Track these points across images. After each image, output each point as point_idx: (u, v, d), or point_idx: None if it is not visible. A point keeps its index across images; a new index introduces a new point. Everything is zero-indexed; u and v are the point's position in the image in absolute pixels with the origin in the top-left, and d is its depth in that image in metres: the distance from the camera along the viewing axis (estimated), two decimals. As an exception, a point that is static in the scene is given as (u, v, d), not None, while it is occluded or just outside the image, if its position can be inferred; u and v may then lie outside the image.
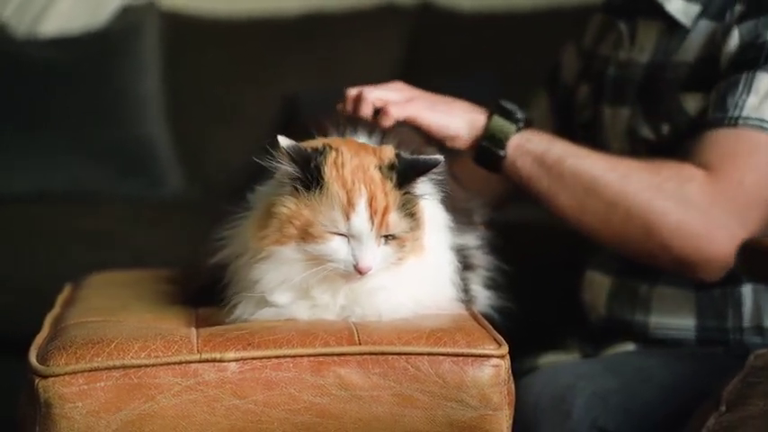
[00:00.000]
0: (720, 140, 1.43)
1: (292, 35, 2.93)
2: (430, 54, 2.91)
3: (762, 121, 1.42)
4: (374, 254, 1.17)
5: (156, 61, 2.81)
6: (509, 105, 1.47)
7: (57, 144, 2.66)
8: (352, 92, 1.44)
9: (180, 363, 1.11)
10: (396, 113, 1.42)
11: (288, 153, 1.17)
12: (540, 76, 1.83)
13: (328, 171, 1.18)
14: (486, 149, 1.45)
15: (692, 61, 1.51)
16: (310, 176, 1.17)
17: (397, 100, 1.43)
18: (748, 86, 1.43)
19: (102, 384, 1.10)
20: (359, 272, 1.17)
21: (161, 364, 1.11)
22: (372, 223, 1.17)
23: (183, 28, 2.93)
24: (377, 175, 1.19)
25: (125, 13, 2.84)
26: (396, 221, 1.18)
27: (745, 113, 1.42)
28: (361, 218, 1.17)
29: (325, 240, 1.17)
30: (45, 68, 2.72)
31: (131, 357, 1.11)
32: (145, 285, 1.44)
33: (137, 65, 2.77)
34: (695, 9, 1.52)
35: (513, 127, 1.45)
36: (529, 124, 1.48)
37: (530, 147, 1.45)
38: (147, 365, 1.11)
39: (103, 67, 2.74)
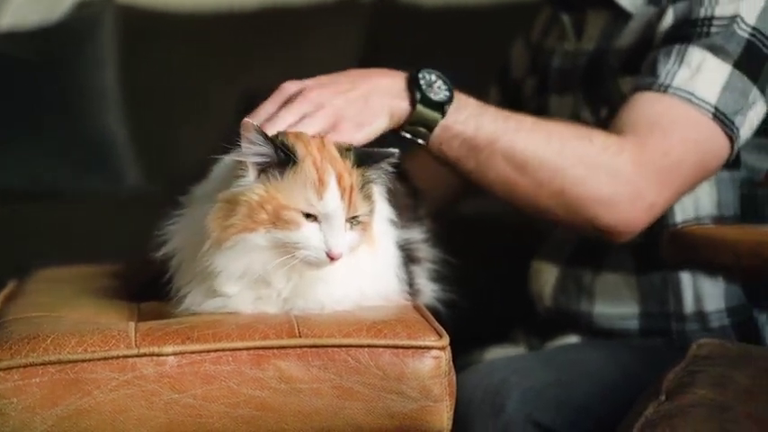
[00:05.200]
0: (650, 105, 1.43)
1: (251, 29, 2.92)
2: (390, 49, 2.89)
3: (691, 94, 1.42)
4: (344, 239, 1.17)
5: (113, 55, 2.79)
6: (430, 79, 1.36)
7: (13, 139, 2.63)
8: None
9: (117, 357, 1.10)
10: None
11: (258, 132, 1.16)
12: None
13: (299, 148, 1.17)
14: (407, 138, 1.37)
15: (630, 45, 1.52)
16: (283, 154, 1.16)
17: (320, 129, 1.28)
18: (680, 58, 1.43)
19: (38, 380, 1.09)
20: (331, 258, 1.16)
21: (98, 359, 1.10)
22: (343, 202, 1.16)
23: (139, 21, 2.90)
24: (337, 154, 1.19)
25: (81, 7, 2.83)
26: (359, 202, 1.18)
27: (675, 83, 1.42)
28: (333, 195, 1.16)
29: (298, 226, 1.16)
30: (0, 64, 2.69)
31: (68, 352, 1.10)
32: (90, 281, 1.42)
33: (94, 59, 2.75)
34: None
35: (438, 116, 1.35)
36: (452, 95, 1.37)
37: (458, 129, 1.37)
38: (83, 360, 1.10)
39: (60, 62, 2.72)
